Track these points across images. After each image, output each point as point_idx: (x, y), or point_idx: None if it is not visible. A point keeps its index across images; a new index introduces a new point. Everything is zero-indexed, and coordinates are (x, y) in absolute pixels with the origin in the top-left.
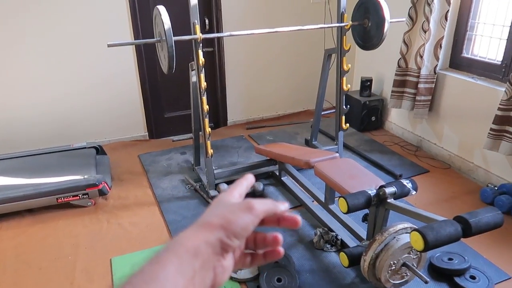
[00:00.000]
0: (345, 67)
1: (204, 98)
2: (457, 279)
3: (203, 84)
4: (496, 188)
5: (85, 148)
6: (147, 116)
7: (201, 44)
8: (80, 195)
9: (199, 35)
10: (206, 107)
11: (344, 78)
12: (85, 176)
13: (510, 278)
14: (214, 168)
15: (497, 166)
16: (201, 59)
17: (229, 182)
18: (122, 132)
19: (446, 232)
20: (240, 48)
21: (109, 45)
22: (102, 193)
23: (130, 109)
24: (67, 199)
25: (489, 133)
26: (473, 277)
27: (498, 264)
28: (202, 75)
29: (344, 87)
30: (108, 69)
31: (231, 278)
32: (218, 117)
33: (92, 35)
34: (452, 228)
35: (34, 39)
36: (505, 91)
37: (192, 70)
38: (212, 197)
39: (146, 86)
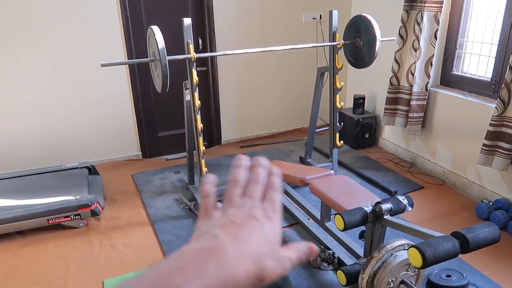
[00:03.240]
0: (338, 85)
1: (198, 117)
2: None
3: (197, 102)
4: (491, 204)
5: (78, 168)
6: (141, 135)
7: (194, 63)
8: (72, 216)
9: (193, 54)
10: (200, 125)
11: (337, 96)
12: (77, 197)
13: None
14: None
15: (491, 181)
16: (195, 78)
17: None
18: (115, 152)
19: (444, 248)
20: (234, 67)
21: (102, 65)
22: (94, 213)
23: (123, 129)
24: (59, 220)
25: (481, 148)
26: None
27: (496, 280)
28: (196, 94)
29: (338, 104)
30: (101, 89)
31: None
32: (212, 135)
33: (85, 55)
34: (450, 244)
35: (27, 59)
36: (495, 107)
37: (186, 89)
38: None
39: (140, 106)
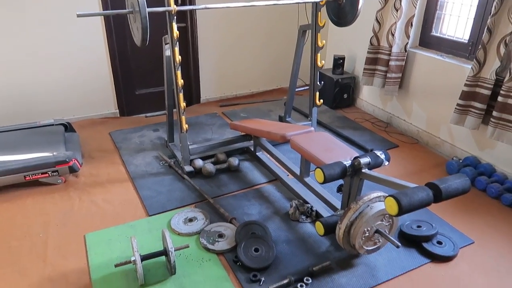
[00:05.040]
0: (319, 43)
1: (179, 72)
2: (425, 245)
3: (178, 58)
4: (460, 161)
5: (53, 125)
6: (118, 92)
7: (175, 17)
8: (50, 173)
9: (173, 7)
10: (180, 81)
11: (319, 55)
12: (54, 153)
13: (473, 243)
14: (189, 143)
15: (462, 140)
16: (176, 32)
17: (204, 158)
18: (91, 110)
19: (418, 197)
20: (213, 24)
21: (78, 15)
22: (72, 170)
23: (99, 85)
24: (36, 176)
25: (455, 108)
26: (440, 243)
27: (462, 230)
28: (177, 49)
29: (319, 63)
30: (75, 43)
31: (209, 250)
32: (191, 94)
33: (59, 7)
34: (424, 193)
35: None
36: (471, 67)
37: (166, 44)
38: (188, 173)
39: (116, 62)
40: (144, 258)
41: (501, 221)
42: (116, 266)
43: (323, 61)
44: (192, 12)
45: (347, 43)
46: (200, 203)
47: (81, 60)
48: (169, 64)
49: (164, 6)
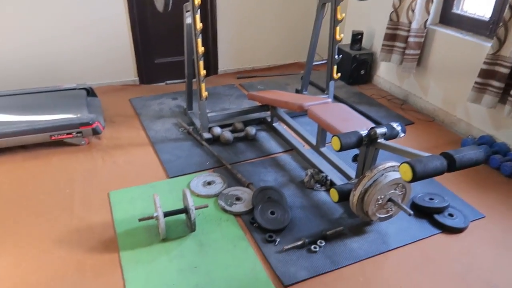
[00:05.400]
0: (339, 17)
1: (199, 40)
2: (436, 216)
3: (199, 25)
4: (476, 139)
5: (75, 89)
6: (138, 60)
7: None
8: (74, 133)
9: None
10: (201, 49)
11: (338, 28)
12: (78, 115)
13: (484, 217)
14: (207, 111)
15: (478, 119)
16: None
17: (222, 126)
18: (111, 76)
19: (433, 165)
20: None
21: None
22: (95, 132)
23: (120, 53)
24: (61, 136)
25: (473, 86)
26: (451, 215)
27: (474, 205)
28: (198, 16)
29: (337, 36)
30: (96, 10)
31: (226, 211)
32: (209, 65)
33: None
34: (438, 162)
35: None
36: (491, 45)
37: (187, 11)
38: (206, 140)
39: (137, 30)
40: (166, 214)
41: None
42: (140, 220)
43: (342, 35)
44: None
45: (366, 19)
46: (218, 168)
47: (102, 28)
48: (189, 32)
49: None
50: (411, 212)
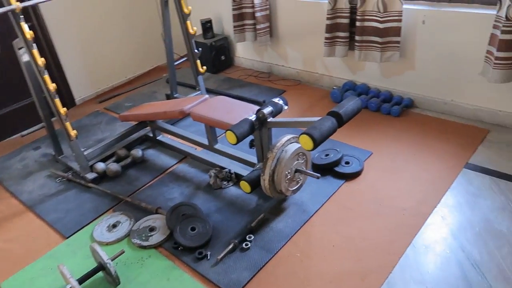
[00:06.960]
0: (186, 10)
1: (46, 76)
2: (336, 169)
3: (40, 60)
4: (340, 88)
5: None
6: None
7: (22, 16)
8: None
9: (16, 4)
10: (52, 85)
11: (188, 22)
12: None
13: (372, 153)
14: (82, 150)
15: (336, 70)
16: (28, 32)
17: (104, 160)
18: None
19: (326, 127)
20: (65, 18)
21: None
22: None
23: None
24: None
25: (324, 42)
26: (347, 163)
27: (361, 146)
28: (36, 51)
29: (191, 30)
30: None
31: (145, 247)
32: (63, 98)
33: None
34: (329, 122)
35: None
36: (328, 1)
37: (20, 49)
38: (92, 180)
39: None
40: (81, 281)
41: (386, 129)
42: None
43: (195, 28)
44: (35, 8)
45: (211, 6)
46: (117, 206)
47: None
48: (30, 71)
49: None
50: (318, 175)
